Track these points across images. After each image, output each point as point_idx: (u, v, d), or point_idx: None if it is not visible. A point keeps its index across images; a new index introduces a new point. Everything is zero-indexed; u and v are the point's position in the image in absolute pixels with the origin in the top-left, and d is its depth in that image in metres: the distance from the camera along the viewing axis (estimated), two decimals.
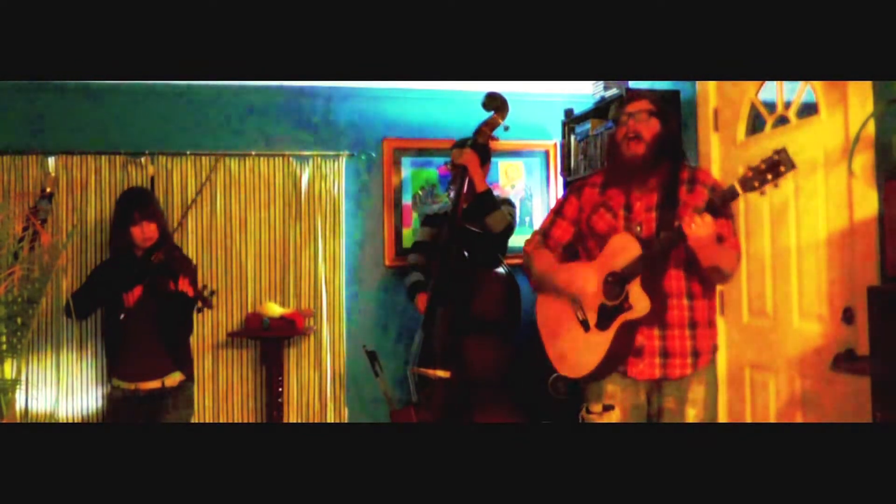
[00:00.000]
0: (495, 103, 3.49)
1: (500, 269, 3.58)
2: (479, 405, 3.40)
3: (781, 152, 2.08)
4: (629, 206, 2.42)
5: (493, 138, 3.51)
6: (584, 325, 2.40)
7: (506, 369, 3.52)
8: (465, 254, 3.50)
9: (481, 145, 3.51)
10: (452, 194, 3.72)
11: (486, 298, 3.48)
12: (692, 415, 2.39)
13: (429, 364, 3.45)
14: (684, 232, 2.18)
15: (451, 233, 3.49)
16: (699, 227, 2.17)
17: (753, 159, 2.15)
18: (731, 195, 2.16)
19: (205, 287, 3.18)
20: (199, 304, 3.15)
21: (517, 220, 3.65)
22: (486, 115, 3.55)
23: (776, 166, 2.08)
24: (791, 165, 2.07)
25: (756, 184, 2.11)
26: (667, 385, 2.40)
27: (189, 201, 4.04)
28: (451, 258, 3.47)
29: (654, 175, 2.42)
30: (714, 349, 2.45)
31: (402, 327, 4.26)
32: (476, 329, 3.44)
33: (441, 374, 3.35)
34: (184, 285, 3.10)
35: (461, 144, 3.70)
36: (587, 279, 2.39)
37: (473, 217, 3.50)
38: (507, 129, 3.50)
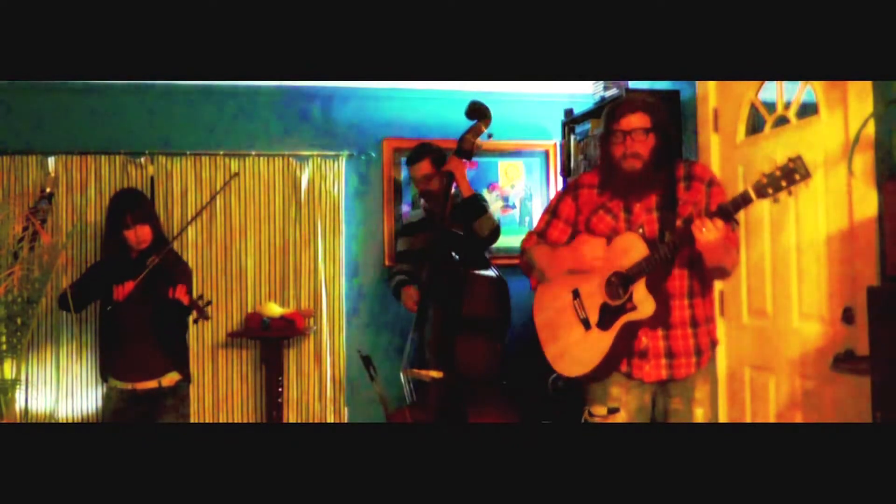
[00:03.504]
0: (479, 112, 3.53)
1: (489, 270, 3.61)
2: (473, 404, 3.41)
3: (797, 160, 2.07)
4: (629, 208, 2.42)
5: (477, 145, 3.55)
6: (585, 323, 2.40)
7: (498, 368, 3.54)
8: (455, 256, 3.52)
9: (466, 152, 3.55)
10: (426, 203, 3.78)
11: (477, 299, 3.50)
12: (700, 414, 2.38)
13: (422, 365, 3.47)
14: (695, 236, 2.18)
15: (439, 236, 3.51)
16: (710, 232, 2.16)
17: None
18: (745, 201, 2.15)
19: (200, 297, 3.13)
20: (196, 314, 3.11)
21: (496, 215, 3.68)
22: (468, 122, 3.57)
23: (791, 174, 2.08)
24: (806, 174, 2.07)
25: (770, 190, 2.10)
26: (673, 386, 2.39)
27: (189, 205, 4.05)
28: (441, 260, 3.49)
29: (653, 183, 2.41)
30: (713, 345, 2.45)
31: (402, 327, 4.26)
32: (467, 329, 3.46)
33: (434, 374, 3.36)
34: (180, 293, 3.05)
35: (413, 159, 3.73)
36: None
37: (460, 221, 3.54)
38: (490, 136, 3.55)
